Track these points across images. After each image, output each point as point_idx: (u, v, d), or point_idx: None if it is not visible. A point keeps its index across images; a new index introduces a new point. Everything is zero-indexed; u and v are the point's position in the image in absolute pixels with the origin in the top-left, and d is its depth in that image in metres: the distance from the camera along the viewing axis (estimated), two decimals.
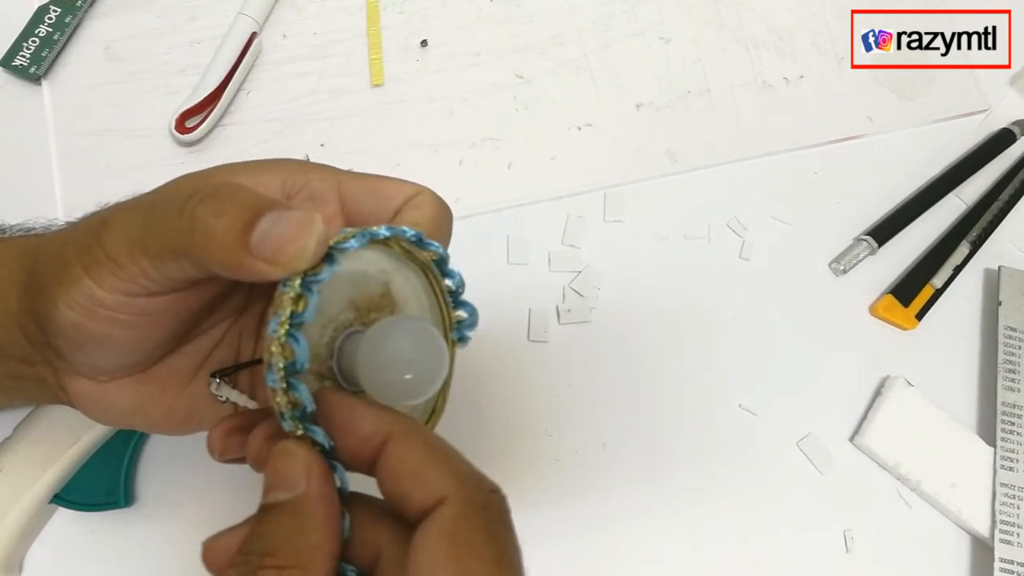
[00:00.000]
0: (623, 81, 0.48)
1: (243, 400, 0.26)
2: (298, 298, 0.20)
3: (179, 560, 0.37)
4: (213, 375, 0.26)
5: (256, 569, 0.18)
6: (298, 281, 0.20)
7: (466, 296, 0.25)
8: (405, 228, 0.22)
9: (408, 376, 0.21)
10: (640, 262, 0.44)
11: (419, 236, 0.22)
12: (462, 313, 0.25)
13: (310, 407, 0.20)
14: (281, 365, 0.20)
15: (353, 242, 0.20)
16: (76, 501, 0.36)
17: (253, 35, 0.45)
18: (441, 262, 0.23)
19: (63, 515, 0.37)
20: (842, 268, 0.45)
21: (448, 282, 0.24)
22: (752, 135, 0.47)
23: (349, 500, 0.21)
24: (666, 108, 0.47)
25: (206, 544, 0.21)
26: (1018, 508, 0.40)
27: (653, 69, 0.48)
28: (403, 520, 0.20)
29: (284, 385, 0.20)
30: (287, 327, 0.20)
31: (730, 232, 0.45)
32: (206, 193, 0.20)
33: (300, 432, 0.20)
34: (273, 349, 0.20)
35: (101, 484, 0.37)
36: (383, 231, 0.21)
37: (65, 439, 0.36)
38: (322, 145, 0.44)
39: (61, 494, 0.36)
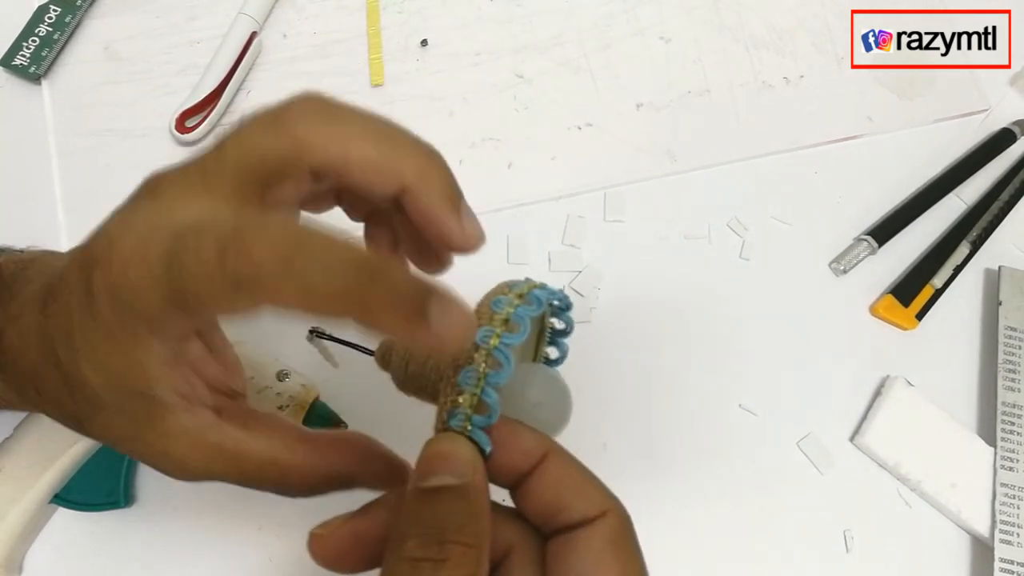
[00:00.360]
0: (623, 81, 0.48)
1: (329, 357, 0.27)
2: (509, 322, 0.22)
3: (179, 560, 0.37)
4: (312, 332, 0.29)
5: (442, 543, 0.20)
6: (515, 309, 0.23)
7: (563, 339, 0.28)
8: (563, 295, 0.25)
9: (543, 417, 0.24)
10: (640, 262, 0.44)
11: (566, 306, 0.26)
12: (555, 352, 0.28)
13: (495, 418, 0.22)
14: (482, 370, 0.22)
15: (533, 309, 0.23)
16: (76, 501, 0.36)
17: (253, 35, 0.45)
18: (563, 309, 0.26)
19: (63, 515, 0.37)
20: (842, 268, 0.45)
21: (558, 323, 0.27)
22: (752, 135, 0.47)
23: None
24: (666, 108, 0.47)
25: (317, 533, 0.22)
26: (1018, 508, 0.40)
27: (653, 69, 0.48)
28: (528, 525, 0.22)
29: (479, 390, 0.22)
30: (498, 343, 0.22)
31: (730, 232, 0.45)
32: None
33: (468, 432, 0.22)
34: (477, 356, 0.22)
35: (101, 484, 0.37)
36: (547, 295, 0.24)
37: (65, 439, 0.36)
38: None
39: (61, 494, 0.36)
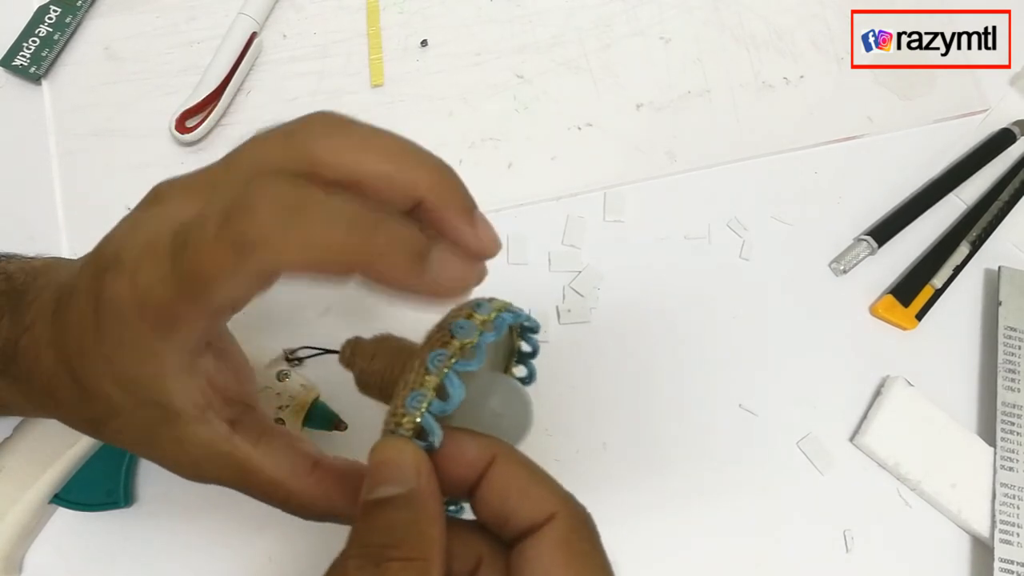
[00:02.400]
0: (623, 81, 0.48)
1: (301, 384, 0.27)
2: (466, 350, 0.22)
3: (179, 560, 0.37)
4: (289, 357, 0.28)
5: (380, 561, 0.19)
6: (477, 338, 0.22)
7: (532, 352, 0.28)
8: (531, 318, 0.25)
9: (503, 427, 0.23)
10: (640, 262, 0.44)
11: (534, 328, 0.25)
12: (522, 371, 0.27)
13: (437, 444, 0.21)
14: (426, 404, 0.21)
15: (493, 335, 0.23)
16: (76, 501, 0.36)
17: (253, 35, 0.45)
18: (531, 331, 0.26)
19: (63, 515, 0.37)
20: (842, 268, 0.45)
21: (525, 346, 0.27)
22: (752, 135, 0.47)
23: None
24: (666, 108, 0.47)
25: None
26: (1018, 508, 0.40)
27: (653, 69, 0.48)
28: (492, 535, 0.22)
29: (419, 419, 0.21)
30: (449, 369, 0.22)
31: (730, 232, 0.45)
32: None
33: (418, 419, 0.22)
34: (428, 380, 0.22)
35: (101, 484, 0.37)
36: (513, 318, 0.24)
37: (65, 439, 0.36)
38: None
39: (61, 494, 0.36)
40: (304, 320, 0.41)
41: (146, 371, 0.22)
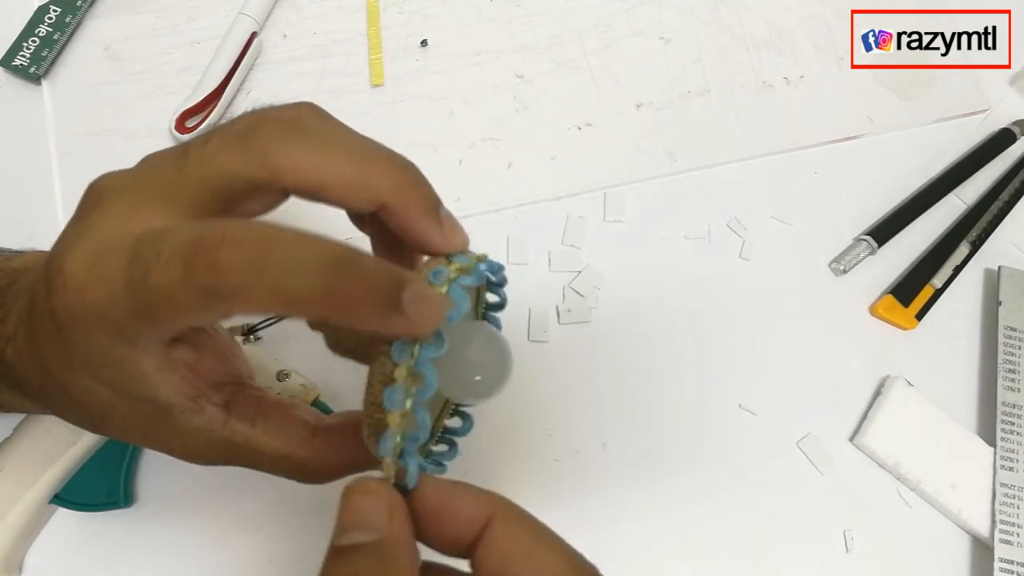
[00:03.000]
0: (623, 81, 0.48)
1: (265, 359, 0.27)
2: (447, 298, 0.21)
3: (179, 560, 0.37)
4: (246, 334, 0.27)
5: None
6: (449, 285, 0.22)
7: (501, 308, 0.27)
8: (489, 276, 0.24)
9: (478, 378, 0.23)
10: (640, 262, 0.44)
11: (500, 282, 0.25)
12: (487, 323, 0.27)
13: (429, 393, 0.21)
14: (399, 439, 0.21)
15: (459, 311, 0.22)
16: (76, 501, 0.36)
17: (253, 35, 0.45)
18: (498, 285, 0.26)
19: (63, 515, 0.37)
20: (842, 268, 0.45)
21: (492, 296, 0.26)
22: (752, 135, 0.47)
23: (425, 569, 0.21)
24: (666, 108, 0.47)
25: None
26: (1018, 508, 0.40)
27: (653, 69, 0.48)
28: None
29: (414, 363, 0.21)
30: (412, 391, 0.21)
31: (730, 232, 0.45)
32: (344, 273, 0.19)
33: (393, 472, 0.21)
34: (391, 421, 0.21)
35: (101, 484, 0.37)
36: (487, 267, 0.24)
37: (65, 439, 0.36)
38: None
39: (61, 494, 0.36)
40: None
41: (123, 374, 0.21)
